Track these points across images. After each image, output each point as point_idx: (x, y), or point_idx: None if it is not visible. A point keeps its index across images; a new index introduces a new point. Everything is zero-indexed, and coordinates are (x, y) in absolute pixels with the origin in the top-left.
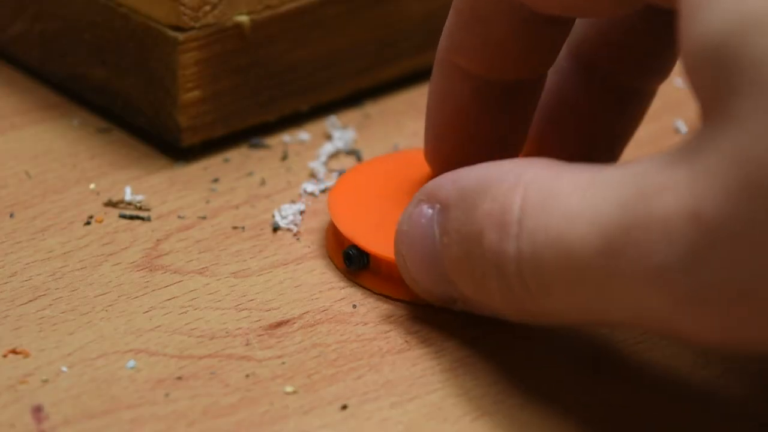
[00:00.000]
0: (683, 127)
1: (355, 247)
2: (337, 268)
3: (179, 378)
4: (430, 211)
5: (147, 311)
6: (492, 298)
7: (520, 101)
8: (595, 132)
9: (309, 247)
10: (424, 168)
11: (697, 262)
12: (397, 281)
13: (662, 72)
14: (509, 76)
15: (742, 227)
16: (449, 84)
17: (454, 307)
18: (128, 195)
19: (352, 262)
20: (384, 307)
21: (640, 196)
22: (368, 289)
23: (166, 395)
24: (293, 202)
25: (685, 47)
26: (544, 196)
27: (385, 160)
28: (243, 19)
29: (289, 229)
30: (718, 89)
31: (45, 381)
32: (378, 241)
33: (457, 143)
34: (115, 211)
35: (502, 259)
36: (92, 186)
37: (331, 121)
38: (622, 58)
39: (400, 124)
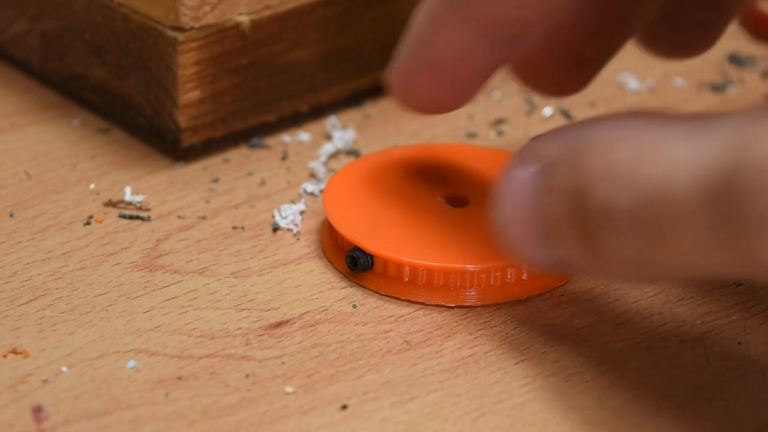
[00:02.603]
0: None
1: (359, 249)
2: (336, 269)
3: (179, 378)
4: (530, 171)
5: (147, 311)
6: (603, 254)
7: (505, 54)
8: (578, 50)
9: (309, 247)
10: (414, 164)
11: None
12: (402, 281)
13: None
14: (509, 34)
15: None
16: (442, 31)
17: (555, 270)
18: (128, 195)
19: (357, 264)
20: (384, 307)
21: (741, 143)
22: (372, 290)
23: (166, 395)
24: (293, 202)
25: None
26: (649, 148)
27: (375, 158)
28: (243, 19)
29: (289, 229)
30: None
31: (45, 381)
32: (380, 241)
33: (429, 78)
34: (115, 211)
35: (613, 213)
36: (92, 186)
37: (331, 121)
38: None
39: (400, 124)
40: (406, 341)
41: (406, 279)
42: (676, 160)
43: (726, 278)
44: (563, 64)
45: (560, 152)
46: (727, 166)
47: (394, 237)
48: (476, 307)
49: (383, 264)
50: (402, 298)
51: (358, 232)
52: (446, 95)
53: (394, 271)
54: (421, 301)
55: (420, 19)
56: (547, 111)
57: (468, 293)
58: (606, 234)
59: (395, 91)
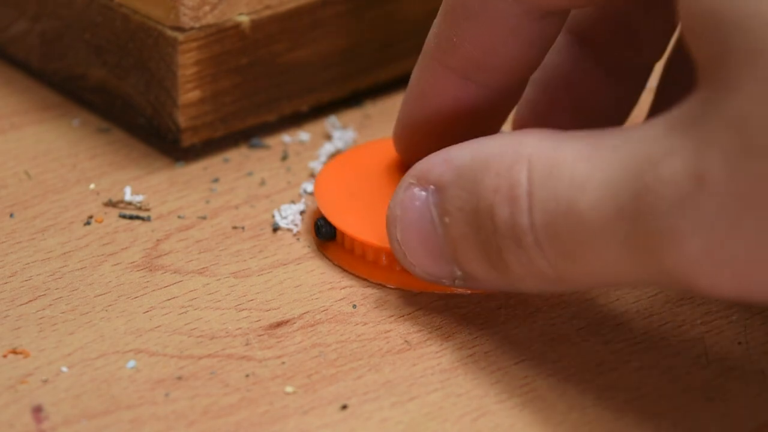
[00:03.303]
0: None
1: (324, 218)
2: (331, 261)
3: (179, 378)
4: (424, 193)
5: (147, 311)
6: (508, 271)
7: (499, 106)
8: (589, 109)
9: (309, 247)
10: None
11: (707, 223)
12: (360, 258)
13: (659, 48)
14: (494, 81)
15: (745, 187)
16: (432, 81)
17: (454, 286)
18: (128, 195)
19: (320, 233)
20: (384, 307)
21: (647, 161)
22: (336, 265)
23: (166, 395)
24: (293, 202)
25: (685, 10)
26: (549, 166)
27: (378, 144)
28: (243, 19)
29: (289, 229)
30: (718, 53)
31: (45, 381)
32: (345, 216)
33: (430, 137)
34: (115, 211)
35: (518, 232)
36: (92, 186)
37: (331, 121)
38: (618, 33)
39: None
40: (406, 341)
41: (359, 254)
42: (580, 178)
43: (637, 286)
44: (571, 122)
45: (452, 174)
46: (635, 184)
47: (361, 215)
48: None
49: (342, 237)
50: (356, 274)
51: (330, 205)
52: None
53: (349, 245)
54: (364, 277)
55: (413, 75)
56: None
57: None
58: (512, 252)
59: (398, 150)
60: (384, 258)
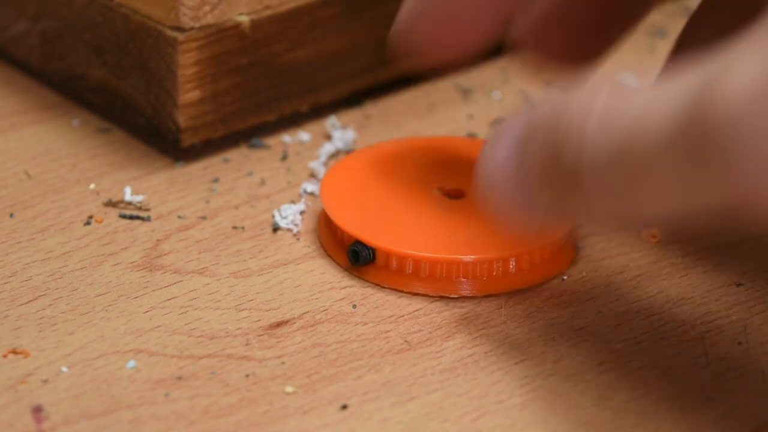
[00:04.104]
0: None
1: (360, 242)
2: (337, 263)
3: (179, 378)
4: (514, 127)
5: (147, 311)
6: (586, 197)
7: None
8: (583, 34)
9: (309, 247)
10: (409, 157)
11: None
12: (405, 274)
13: None
14: None
15: None
16: None
17: (541, 220)
18: (128, 195)
19: (359, 258)
20: (384, 307)
21: (712, 76)
22: (374, 284)
23: (166, 395)
24: (293, 202)
25: None
26: (625, 94)
27: (369, 152)
28: (243, 19)
29: (289, 229)
30: None
31: (45, 381)
32: (380, 234)
33: (438, 22)
34: (115, 211)
35: (594, 156)
36: (92, 186)
37: (331, 121)
38: None
39: (400, 124)
40: (406, 341)
41: (409, 271)
42: (650, 99)
43: (705, 214)
44: (578, 26)
45: (543, 107)
46: (696, 101)
47: (394, 229)
48: (478, 297)
49: (385, 257)
50: (404, 290)
51: (358, 225)
52: (452, 39)
53: (396, 264)
54: (423, 292)
55: None
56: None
57: (471, 284)
58: (589, 176)
59: (401, 39)
60: (444, 269)
